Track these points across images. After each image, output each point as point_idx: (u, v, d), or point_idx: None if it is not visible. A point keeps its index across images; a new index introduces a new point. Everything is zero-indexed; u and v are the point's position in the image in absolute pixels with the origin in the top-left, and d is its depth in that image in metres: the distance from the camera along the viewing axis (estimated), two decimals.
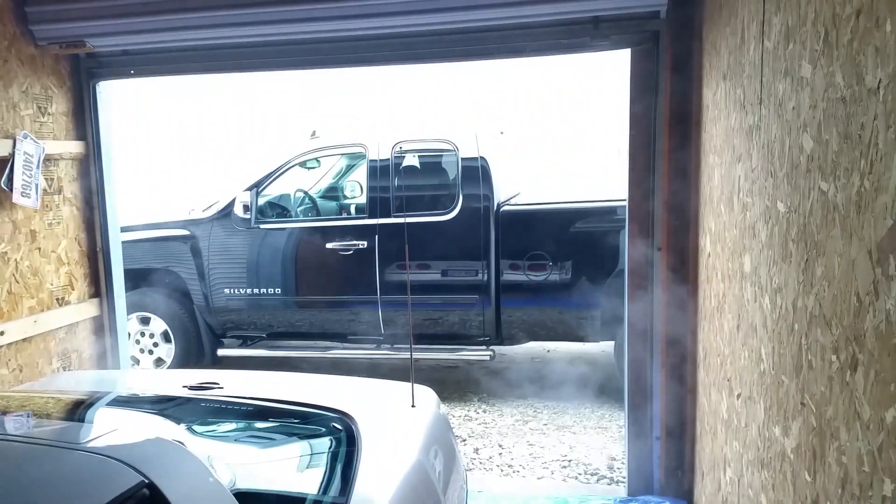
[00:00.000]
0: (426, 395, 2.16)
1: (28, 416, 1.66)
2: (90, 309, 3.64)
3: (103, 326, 3.72)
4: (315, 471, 1.66)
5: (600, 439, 4.07)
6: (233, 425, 1.98)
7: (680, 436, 3.17)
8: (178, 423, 2.01)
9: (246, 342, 5.13)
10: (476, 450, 3.96)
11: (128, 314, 4.99)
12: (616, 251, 4.49)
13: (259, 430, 1.96)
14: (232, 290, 4.85)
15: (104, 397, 2.08)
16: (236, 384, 2.20)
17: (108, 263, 3.70)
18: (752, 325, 1.94)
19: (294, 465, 1.68)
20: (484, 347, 4.82)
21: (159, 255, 4.94)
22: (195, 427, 1.86)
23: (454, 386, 5.11)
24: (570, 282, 4.57)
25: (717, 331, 2.53)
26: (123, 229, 5.06)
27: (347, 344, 4.97)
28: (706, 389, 2.76)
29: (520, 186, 5.71)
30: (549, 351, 5.85)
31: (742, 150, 2.07)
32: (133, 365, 4.98)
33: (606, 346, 5.42)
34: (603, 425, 4.29)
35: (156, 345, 4.98)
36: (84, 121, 3.60)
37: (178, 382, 2.22)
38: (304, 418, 1.95)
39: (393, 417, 1.95)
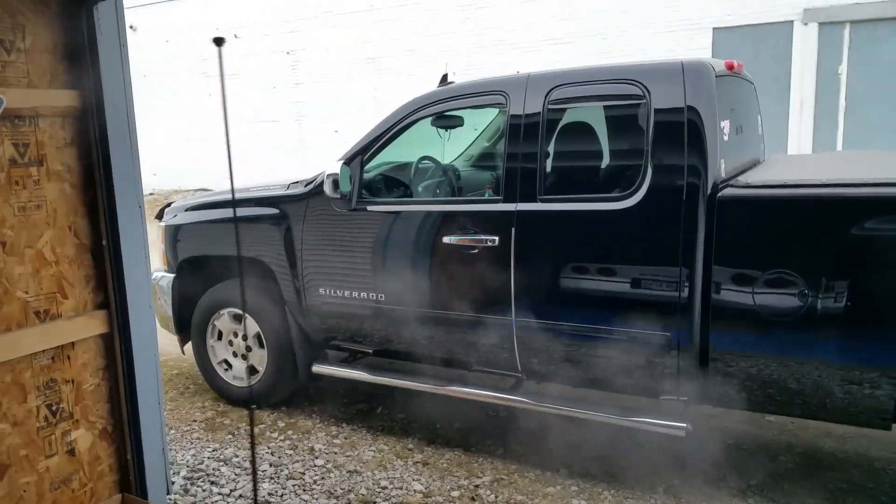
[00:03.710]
0: None
1: None
2: (93, 324, 2.65)
3: (113, 347, 2.72)
4: None
5: None
6: None
7: None
8: None
9: (354, 357, 3.95)
10: None
11: (219, 310, 4.13)
12: None
13: None
14: (328, 290, 3.66)
15: None
16: None
17: (119, 260, 2.67)
18: None
19: None
20: (679, 408, 3.08)
21: (249, 239, 3.91)
22: None
23: (637, 462, 3.39)
24: (844, 317, 2.61)
25: None
26: (200, 206, 4.09)
27: (473, 375, 3.54)
28: None
29: (757, 153, 3.72)
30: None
31: None
32: (225, 369, 4.08)
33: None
34: None
35: (248, 349, 4.01)
36: (80, 61, 2.56)
37: None
38: None
39: None
